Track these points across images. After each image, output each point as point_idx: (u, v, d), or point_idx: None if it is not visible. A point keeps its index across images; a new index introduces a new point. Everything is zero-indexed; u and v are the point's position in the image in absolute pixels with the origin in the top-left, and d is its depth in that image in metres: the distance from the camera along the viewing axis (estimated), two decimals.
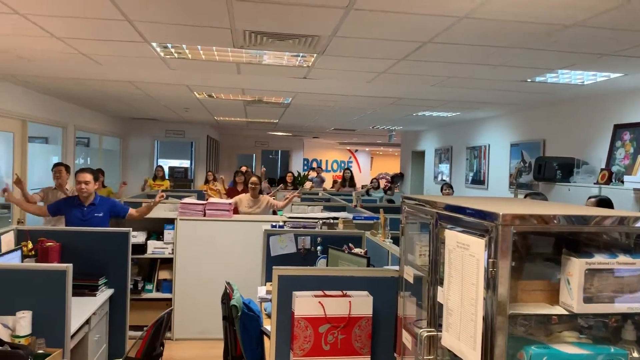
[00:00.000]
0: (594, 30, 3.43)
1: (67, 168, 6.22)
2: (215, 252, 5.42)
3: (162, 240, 5.51)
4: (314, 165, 18.93)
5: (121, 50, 4.56)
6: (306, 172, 17.46)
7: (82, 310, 3.54)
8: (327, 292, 2.63)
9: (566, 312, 1.71)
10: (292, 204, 6.92)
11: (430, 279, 2.13)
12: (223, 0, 3.12)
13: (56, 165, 6.23)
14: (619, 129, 5.63)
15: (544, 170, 6.14)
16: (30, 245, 4.00)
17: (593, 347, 1.72)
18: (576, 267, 1.68)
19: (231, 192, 8.42)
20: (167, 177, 11.45)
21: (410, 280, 2.42)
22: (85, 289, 3.90)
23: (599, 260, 1.69)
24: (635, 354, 1.74)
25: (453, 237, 1.89)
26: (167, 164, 13.53)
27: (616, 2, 2.88)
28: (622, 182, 5.15)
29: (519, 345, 1.70)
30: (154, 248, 5.49)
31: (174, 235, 5.42)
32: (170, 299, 5.43)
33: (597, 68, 4.56)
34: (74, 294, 3.14)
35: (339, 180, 12.29)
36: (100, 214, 4.76)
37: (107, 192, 7.77)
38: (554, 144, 6.87)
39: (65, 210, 4.79)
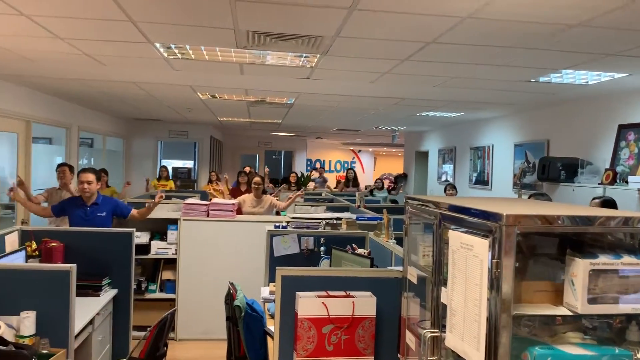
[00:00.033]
0: (598, 30, 3.42)
1: (71, 168, 6.24)
2: (219, 253, 5.43)
3: (166, 241, 5.51)
4: (317, 165, 18.93)
5: (125, 50, 4.57)
6: (309, 173, 17.47)
7: (85, 310, 3.55)
8: (331, 293, 2.63)
9: (570, 313, 1.71)
10: (295, 204, 6.92)
11: (433, 279, 2.12)
12: (226, 1, 3.13)
13: (60, 165, 6.25)
14: (623, 129, 5.61)
15: (548, 170, 6.13)
16: (34, 246, 4.02)
17: (597, 348, 1.71)
18: (580, 268, 1.67)
19: (235, 192, 8.44)
20: (170, 178, 11.46)
21: (414, 280, 2.42)
22: (89, 289, 3.90)
23: (604, 260, 1.68)
24: None
25: (457, 237, 1.88)
26: (170, 164, 13.56)
27: (620, 2, 2.87)
28: (627, 182, 5.14)
29: (523, 346, 1.70)
30: (158, 248, 5.50)
31: (177, 236, 5.43)
32: (173, 300, 5.44)
33: (601, 68, 4.55)
34: (78, 294, 3.15)
35: (343, 181, 12.29)
36: (103, 214, 4.77)
37: (111, 192, 7.78)
38: (558, 144, 6.85)
39: (68, 210, 4.80)
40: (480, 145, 9.28)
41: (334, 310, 2.56)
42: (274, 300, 3.13)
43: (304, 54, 4.48)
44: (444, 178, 11.17)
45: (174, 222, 5.48)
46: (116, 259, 4.20)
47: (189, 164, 14.55)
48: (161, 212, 5.91)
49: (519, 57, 4.22)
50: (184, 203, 5.64)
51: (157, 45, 4.31)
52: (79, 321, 3.25)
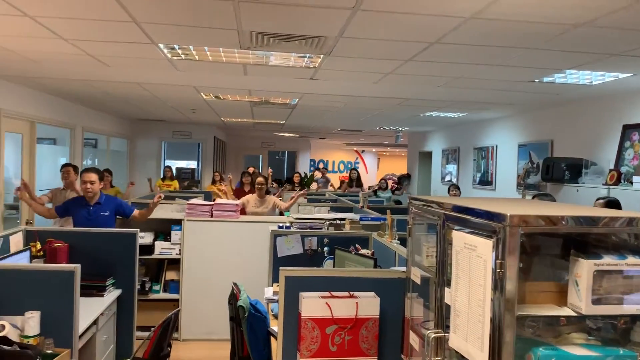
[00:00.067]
0: (602, 30, 3.41)
1: (75, 168, 6.25)
2: (222, 253, 5.43)
3: (170, 241, 5.52)
4: (321, 166, 18.94)
5: (128, 51, 4.58)
6: (311, 173, 17.48)
7: (90, 310, 3.55)
8: (334, 293, 2.63)
9: (574, 314, 1.70)
10: (299, 205, 6.92)
11: (437, 280, 2.12)
12: (230, 2, 3.13)
13: (64, 165, 6.27)
14: (627, 129, 5.59)
15: (552, 171, 6.11)
16: (38, 246, 4.03)
17: (602, 349, 1.71)
18: (584, 269, 1.66)
19: (238, 193, 8.45)
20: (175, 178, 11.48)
21: (418, 281, 2.41)
22: (93, 289, 3.91)
23: (608, 261, 1.68)
24: None
25: (460, 238, 1.88)
26: (174, 164, 13.59)
27: (624, 2, 2.87)
28: (631, 182, 5.12)
29: (526, 347, 1.69)
30: (162, 249, 5.51)
31: (181, 236, 5.44)
32: (177, 300, 5.45)
33: (605, 68, 4.54)
34: (82, 295, 3.15)
35: (346, 181, 12.28)
36: (107, 213, 4.79)
37: (115, 192, 7.80)
38: (562, 144, 6.84)
39: (72, 211, 4.82)
40: (484, 146, 9.27)
41: (338, 310, 2.56)
42: (277, 301, 3.13)
43: (308, 55, 4.49)
44: (447, 178, 11.16)
45: (178, 222, 5.49)
46: (120, 259, 4.21)
47: (192, 164, 14.58)
48: (165, 212, 5.92)
49: (522, 57, 4.21)
50: (188, 203, 5.65)
51: (161, 46, 4.32)
52: (83, 321, 3.25)
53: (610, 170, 5.48)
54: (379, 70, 5.04)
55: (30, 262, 3.83)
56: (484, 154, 9.26)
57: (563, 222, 1.68)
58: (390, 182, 13.14)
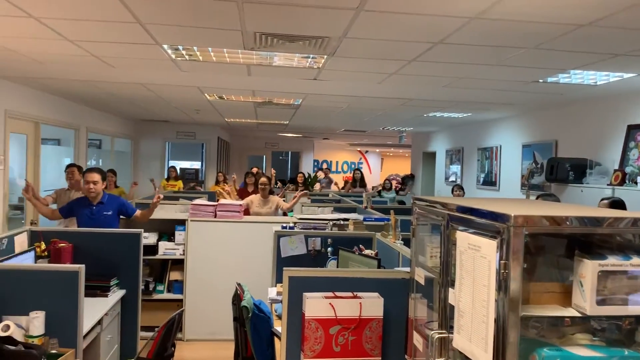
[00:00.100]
0: (606, 30, 3.40)
1: (80, 169, 6.27)
2: (226, 253, 5.44)
3: (173, 242, 5.53)
4: (324, 166, 18.95)
5: (133, 52, 4.59)
6: (315, 173, 17.49)
7: (94, 310, 3.56)
8: (338, 294, 2.62)
9: (579, 314, 1.70)
10: (302, 205, 6.92)
11: (441, 280, 2.12)
12: (234, 3, 3.13)
13: (69, 166, 6.29)
14: (632, 129, 5.57)
15: (557, 171, 6.10)
16: (43, 246, 4.04)
17: (606, 350, 1.70)
18: (589, 269, 1.66)
19: (242, 193, 8.46)
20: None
21: (421, 281, 2.41)
22: (97, 289, 3.92)
23: (612, 262, 1.67)
24: None
25: (464, 238, 1.88)
26: (178, 165, 13.62)
27: (629, 1, 2.86)
28: (636, 183, 5.10)
29: (531, 348, 1.69)
30: (165, 249, 5.52)
31: (185, 237, 5.45)
32: (181, 300, 5.46)
33: (610, 68, 4.52)
34: (86, 295, 3.16)
35: (350, 181, 12.28)
36: (109, 212, 4.80)
37: (119, 192, 7.82)
38: (567, 144, 6.82)
39: (76, 211, 4.83)
40: (488, 146, 9.25)
41: (341, 311, 2.56)
42: (281, 301, 3.13)
43: (311, 55, 4.49)
44: (451, 179, 11.14)
45: (182, 222, 5.50)
46: (124, 259, 4.22)
47: (196, 164, 14.60)
48: (169, 212, 5.93)
49: (526, 57, 4.20)
50: (192, 204, 5.65)
51: (165, 46, 4.33)
52: (87, 321, 3.26)
53: (615, 170, 5.46)
54: (383, 71, 5.04)
55: (35, 263, 3.85)
56: (488, 155, 9.24)
57: (567, 223, 1.67)
58: (394, 183, 13.12)
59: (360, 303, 2.59)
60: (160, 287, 5.56)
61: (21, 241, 3.97)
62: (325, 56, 4.47)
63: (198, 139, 13.58)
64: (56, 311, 2.99)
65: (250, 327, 3.11)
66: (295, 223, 4.85)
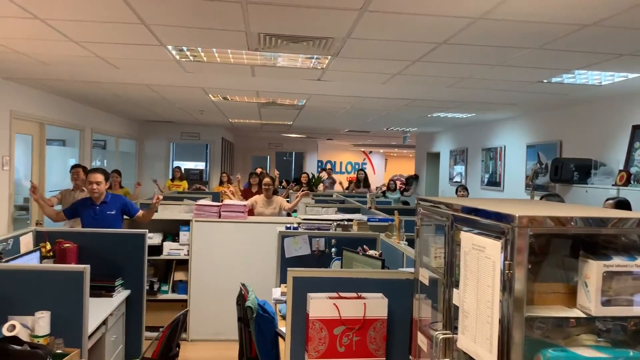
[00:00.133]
0: (611, 30, 3.39)
1: (85, 169, 6.29)
2: (230, 254, 5.45)
3: (178, 242, 5.55)
4: (328, 167, 18.98)
5: (137, 53, 4.61)
6: (318, 173, 17.49)
7: (99, 310, 3.58)
8: (342, 294, 2.63)
9: (584, 315, 1.69)
10: (306, 206, 6.93)
11: (445, 281, 2.12)
12: (238, 3, 3.14)
13: (74, 166, 6.32)
14: (637, 129, 5.55)
15: (561, 171, 6.08)
16: (48, 247, 4.06)
17: (611, 351, 1.70)
18: (594, 270, 1.66)
19: (246, 193, 8.48)
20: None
21: (426, 282, 2.41)
22: (102, 289, 3.93)
23: (618, 262, 1.67)
24: None
25: (469, 239, 1.88)
26: (182, 166, 13.66)
27: (634, 1, 2.85)
28: None
29: (535, 348, 1.69)
30: (170, 249, 5.53)
31: (189, 237, 5.46)
32: (185, 300, 5.47)
33: (614, 68, 4.51)
34: (91, 295, 3.17)
35: (353, 182, 12.28)
36: (113, 212, 4.82)
37: (124, 192, 7.84)
38: (571, 145, 6.80)
39: (80, 211, 4.86)
40: (492, 147, 9.23)
41: (346, 311, 2.56)
42: (285, 301, 3.13)
43: (315, 56, 4.49)
44: (455, 179, 11.12)
45: (186, 223, 5.51)
46: (129, 260, 4.23)
47: (200, 165, 14.63)
48: (173, 213, 5.95)
49: (531, 57, 4.20)
50: (196, 204, 5.67)
51: (170, 47, 4.34)
52: (92, 321, 3.27)
53: (620, 171, 5.45)
54: (387, 71, 5.04)
55: (40, 263, 3.86)
56: (492, 155, 9.23)
57: (572, 223, 1.67)
58: (398, 183, 13.11)
59: (365, 303, 2.59)
60: (164, 288, 5.58)
61: (27, 241, 3.99)
62: (329, 57, 4.47)
63: (202, 140, 13.61)
64: (61, 311, 3.00)
65: (255, 327, 3.11)
66: (299, 223, 4.86)
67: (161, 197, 5.13)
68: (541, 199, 5.49)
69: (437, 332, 2.10)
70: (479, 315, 1.78)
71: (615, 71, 4.62)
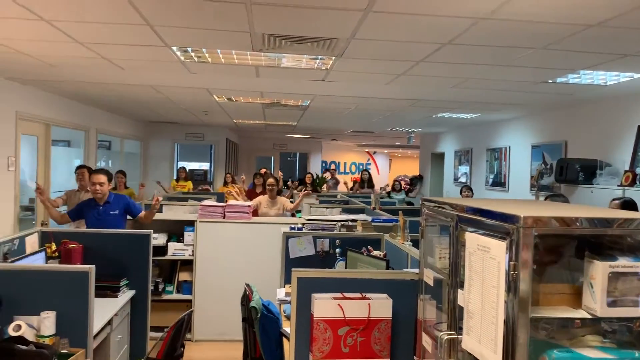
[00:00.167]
0: (616, 30, 3.38)
1: (90, 170, 6.31)
2: (235, 254, 5.46)
3: (183, 242, 5.56)
4: (332, 167, 18.97)
5: (142, 54, 4.62)
6: (322, 174, 17.50)
7: (104, 310, 3.59)
8: (346, 295, 2.63)
9: (589, 316, 1.69)
10: (310, 206, 6.93)
11: (450, 281, 2.11)
12: (242, 4, 3.15)
13: (79, 167, 6.35)
14: None
15: (566, 172, 6.06)
16: (54, 247, 4.07)
17: (617, 352, 1.69)
18: (599, 270, 1.65)
19: (250, 194, 8.49)
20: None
21: (430, 283, 2.41)
22: (107, 290, 3.95)
23: (623, 263, 1.66)
24: None
25: (473, 239, 1.88)
26: (187, 166, 13.68)
27: (639, 1, 2.84)
28: None
29: (541, 349, 1.68)
30: (175, 250, 5.54)
31: (194, 237, 5.47)
32: (190, 301, 5.48)
33: (620, 68, 4.49)
34: (96, 295, 3.18)
35: (358, 182, 12.27)
36: (116, 212, 4.84)
37: (129, 193, 7.86)
38: (576, 145, 6.78)
39: (84, 212, 4.88)
40: (497, 147, 9.21)
41: (350, 312, 2.56)
42: (289, 302, 3.14)
43: (319, 56, 4.49)
44: (460, 180, 11.10)
45: (191, 223, 5.52)
46: (134, 260, 4.25)
47: (205, 166, 14.66)
48: (178, 213, 5.96)
49: (536, 57, 4.19)
50: (200, 205, 5.68)
51: (174, 48, 4.36)
52: (97, 321, 3.28)
53: (626, 171, 5.42)
54: (391, 72, 5.03)
55: (46, 263, 3.88)
56: (497, 155, 9.21)
57: (577, 224, 1.67)
58: (402, 184, 13.10)
59: (369, 304, 2.59)
60: (169, 288, 5.59)
61: (32, 242, 4.00)
62: (334, 57, 4.48)
63: (207, 141, 13.64)
64: (67, 311, 3.01)
65: (259, 327, 3.11)
66: (303, 224, 4.86)
67: (160, 198, 5.14)
68: (546, 199, 5.48)
69: (441, 333, 2.10)
70: (483, 316, 1.78)
71: (621, 71, 4.60)
